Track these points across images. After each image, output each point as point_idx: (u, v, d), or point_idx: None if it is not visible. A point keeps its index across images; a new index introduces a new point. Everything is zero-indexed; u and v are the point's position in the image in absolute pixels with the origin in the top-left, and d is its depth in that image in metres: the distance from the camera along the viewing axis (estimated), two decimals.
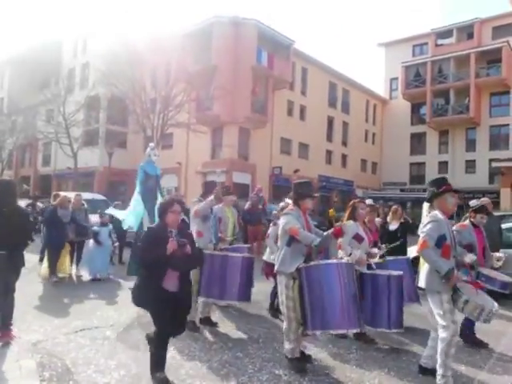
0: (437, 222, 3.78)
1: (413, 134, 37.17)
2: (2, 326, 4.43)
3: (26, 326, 5.16)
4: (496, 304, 3.72)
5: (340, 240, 4.72)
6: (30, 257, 4.87)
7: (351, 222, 4.93)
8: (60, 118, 29.02)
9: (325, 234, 4.19)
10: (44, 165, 36.94)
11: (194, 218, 5.62)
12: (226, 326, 5.46)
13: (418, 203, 32.85)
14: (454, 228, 4.50)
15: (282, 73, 27.62)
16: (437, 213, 3.87)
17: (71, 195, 9.98)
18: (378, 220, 7.01)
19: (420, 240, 3.78)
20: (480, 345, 5.00)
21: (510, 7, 31.22)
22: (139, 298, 3.68)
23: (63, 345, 4.62)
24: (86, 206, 9.77)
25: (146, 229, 7.16)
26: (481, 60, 32.81)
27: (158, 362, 3.70)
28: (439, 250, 3.75)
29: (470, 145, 34.08)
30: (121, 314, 5.96)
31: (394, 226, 7.41)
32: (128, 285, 8.12)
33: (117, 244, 10.12)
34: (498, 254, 5.09)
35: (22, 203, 13.36)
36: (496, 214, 7.73)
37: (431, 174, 35.35)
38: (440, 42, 35.94)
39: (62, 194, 9.70)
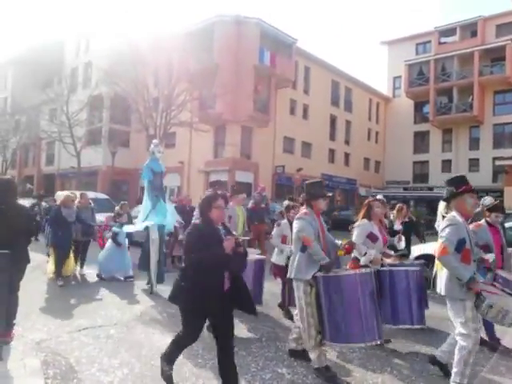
0: (456, 226, 3.60)
1: (416, 133, 37.07)
2: (6, 325, 4.45)
3: (30, 325, 5.18)
4: None
5: (354, 239, 4.64)
6: (34, 256, 4.87)
7: (365, 220, 4.81)
8: (63, 117, 29.14)
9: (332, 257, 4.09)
10: (47, 164, 37.08)
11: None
12: None
13: (421, 202, 32.85)
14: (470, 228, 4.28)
15: (284, 71, 27.60)
16: (455, 215, 3.69)
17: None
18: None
19: (439, 245, 3.61)
20: (485, 344, 4.85)
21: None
22: (186, 300, 3.39)
23: (67, 343, 4.64)
24: (92, 204, 9.65)
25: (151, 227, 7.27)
26: (484, 58, 32.68)
27: (171, 360, 3.61)
28: (459, 255, 3.57)
29: (474, 143, 33.97)
30: (124, 313, 5.97)
31: (398, 225, 7.16)
32: (132, 284, 8.16)
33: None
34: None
35: (26, 203, 13.34)
36: None
37: (434, 172, 35.31)
38: (443, 40, 35.80)
39: (66, 192, 9.64)
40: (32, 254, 4.69)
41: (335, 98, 34.33)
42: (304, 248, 4.05)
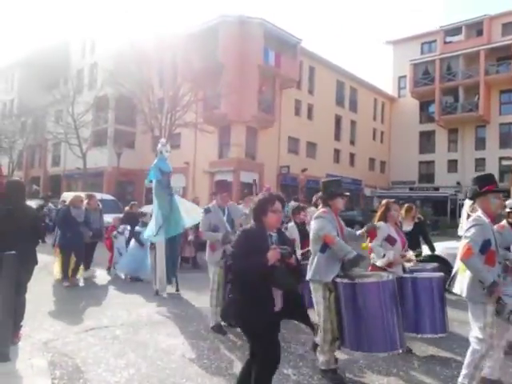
0: (481, 226, 3.49)
1: (422, 133, 36.92)
2: (13, 326, 4.48)
3: (38, 325, 5.22)
4: None
5: (370, 244, 4.55)
6: (41, 257, 4.90)
7: (382, 223, 4.64)
8: (69, 118, 29.32)
9: (356, 253, 3.86)
10: (53, 165, 37.30)
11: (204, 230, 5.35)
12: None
13: (426, 202, 32.70)
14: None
15: (289, 72, 27.60)
16: (480, 215, 3.58)
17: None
18: None
19: (463, 246, 3.50)
20: None
21: None
22: (234, 315, 3.06)
23: (74, 344, 4.66)
24: (100, 206, 9.56)
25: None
26: (490, 57, 32.49)
27: None
28: (483, 257, 3.47)
29: (480, 143, 33.78)
30: (130, 314, 6.00)
31: (408, 226, 6.80)
32: (139, 285, 8.19)
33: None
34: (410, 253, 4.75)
35: (33, 204, 13.37)
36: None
37: (440, 172, 35.15)
38: (449, 39, 35.64)
39: (72, 193, 9.64)
40: (38, 255, 4.72)
41: (340, 98, 34.27)
42: (324, 248, 3.92)
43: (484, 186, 3.61)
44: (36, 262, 4.67)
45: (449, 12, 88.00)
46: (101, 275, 8.93)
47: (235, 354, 4.47)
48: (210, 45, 25.69)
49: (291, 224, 6.01)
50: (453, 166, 34.55)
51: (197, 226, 9.27)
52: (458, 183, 33.23)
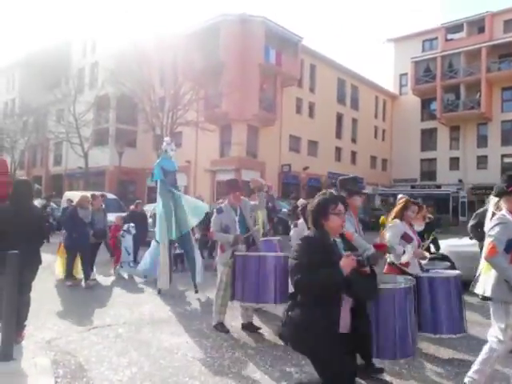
0: (505, 224, 3.44)
1: (423, 130, 36.86)
2: (17, 326, 4.49)
3: (41, 324, 5.24)
4: None
5: (388, 240, 4.40)
6: (44, 256, 4.90)
7: (397, 221, 4.52)
8: (70, 117, 29.37)
9: (372, 251, 3.75)
10: (55, 164, 37.38)
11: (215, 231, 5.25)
12: (238, 324, 5.47)
13: (428, 200, 32.63)
14: None
15: (290, 70, 27.57)
16: (505, 213, 3.53)
17: (77, 194, 9.69)
18: None
19: (488, 245, 3.45)
20: None
21: None
22: (291, 335, 2.63)
23: (76, 342, 4.68)
24: (104, 206, 9.51)
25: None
26: (492, 54, 32.39)
27: None
28: (508, 256, 3.40)
29: (482, 140, 33.71)
30: (133, 313, 6.01)
31: (419, 226, 6.59)
32: (141, 284, 8.20)
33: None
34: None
35: (36, 203, 13.34)
36: None
37: (442, 170, 35.09)
38: (450, 36, 35.54)
39: (75, 193, 9.62)
40: (42, 255, 4.73)
41: (341, 95, 34.22)
42: None
43: (511, 185, 3.55)
44: (40, 262, 4.67)
45: (450, 11, 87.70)
46: (103, 275, 8.94)
47: (238, 353, 4.48)
48: (211, 43, 25.68)
49: (301, 221, 5.90)
50: (454, 163, 34.49)
51: (202, 225, 9.25)
52: (460, 181, 33.17)
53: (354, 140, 35.67)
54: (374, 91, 37.49)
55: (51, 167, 37.89)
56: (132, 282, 8.34)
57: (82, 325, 5.33)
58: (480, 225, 7.53)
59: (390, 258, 4.58)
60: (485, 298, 3.61)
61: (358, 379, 3.85)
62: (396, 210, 4.66)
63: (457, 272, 4.56)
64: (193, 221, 7.14)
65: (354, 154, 35.73)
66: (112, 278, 8.76)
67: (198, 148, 27.93)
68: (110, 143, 30.41)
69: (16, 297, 4.08)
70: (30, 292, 4.59)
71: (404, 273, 4.34)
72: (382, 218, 12.10)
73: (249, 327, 5.25)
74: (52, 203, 18.49)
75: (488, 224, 3.74)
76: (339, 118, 34.15)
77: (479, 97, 32.50)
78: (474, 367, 3.51)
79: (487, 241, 3.50)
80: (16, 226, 4.32)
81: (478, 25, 34.54)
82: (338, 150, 34.18)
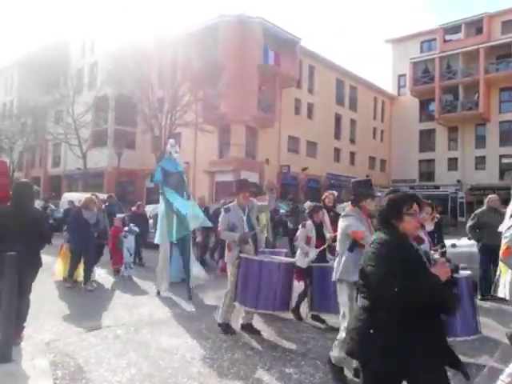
0: None
1: (422, 131, 36.91)
2: (16, 327, 4.48)
3: (40, 326, 5.22)
4: None
5: None
6: (44, 258, 4.90)
7: None
8: (69, 119, 29.34)
9: None
10: (54, 166, 37.30)
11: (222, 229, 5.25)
12: (237, 325, 5.48)
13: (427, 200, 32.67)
14: None
15: (288, 71, 27.59)
16: None
17: (76, 195, 9.68)
18: None
19: (503, 246, 3.42)
20: None
21: None
22: (378, 356, 2.19)
23: (75, 344, 4.67)
24: (103, 207, 9.46)
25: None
26: (490, 55, 32.47)
27: None
28: None
29: (480, 141, 33.77)
30: (132, 314, 6.00)
31: (430, 227, 6.35)
32: (140, 285, 8.19)
33: None
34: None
35: (36, 205, 13.28)
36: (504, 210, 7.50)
37: (441, 170, 35.15)
38: (448, 37, 35.59)
39: (74, 194, 9.61)
40: (42, 256, 4.72)
41: (340, 96, 34.25)
42: (352, 247, 3.80)
43: None
44: (41, 264, 4.66)
45: (448, 12, 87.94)
46: (102, 276, 8.93)
47: (237, 354, 4.48)
48: (210, 44, 25.68)
49: (309, 222, 5.88)
50: (453, 164, 34.54)
51: (203, 228, 9.24)
52: (459, 181, 33.22)
53: (352, 141, 35.69)
54: (372, 92, 37.53)
55: (50, 168, 37.82)
56: (131, 284, 8.33)
57: (81, 326, 5.32)
58: (478, 225, 7.54)
59: None
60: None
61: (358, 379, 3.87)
62: None
63: (468, 272, 4.48)
64: (193, 224, 7.15)
65: (352, 154, 35.76)
66: (111, 280, 8.75)
67: (197, 149, 27.92)
68: (108, 144, 30.37)
69: (15, 298, 4.08)
70: (29, 293, 4.58)
71: None
72: None
73: (248, 328, 5.25)
74: (50, 204, 18.48)
75: (504, 224, 3.71)
76: (338, 118, 34.18)
77: (477, 98, 32.56)
78: (508, 370, 3.38)
79: (503, 242, 3.47)
80: (17, 228, 4.31)
81: (476, 26, 34.59)
82: (337, 150, 34.21)
